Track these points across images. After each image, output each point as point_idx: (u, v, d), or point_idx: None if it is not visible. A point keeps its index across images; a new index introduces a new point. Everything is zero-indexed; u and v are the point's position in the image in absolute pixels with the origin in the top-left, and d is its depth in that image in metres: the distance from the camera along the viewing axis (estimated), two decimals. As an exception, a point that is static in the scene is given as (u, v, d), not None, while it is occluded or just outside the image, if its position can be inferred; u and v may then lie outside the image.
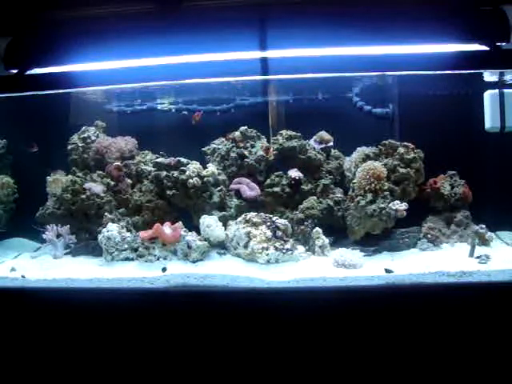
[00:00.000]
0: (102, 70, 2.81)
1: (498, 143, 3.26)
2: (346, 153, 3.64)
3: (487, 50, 2.67)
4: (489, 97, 3.18)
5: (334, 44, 2.69)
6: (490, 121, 3.18)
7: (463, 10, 2.75)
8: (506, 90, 3.12)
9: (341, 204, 3.35)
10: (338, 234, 3.31)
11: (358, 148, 3.52)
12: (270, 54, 2.71)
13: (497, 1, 2.72)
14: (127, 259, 3.11)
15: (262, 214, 3.16)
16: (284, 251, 2.94)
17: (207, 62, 2.71)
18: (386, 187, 3.20)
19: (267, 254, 2.92)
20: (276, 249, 2.94)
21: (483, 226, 3.14)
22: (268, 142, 3.67)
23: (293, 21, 2.73)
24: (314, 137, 3.63)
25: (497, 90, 3.14)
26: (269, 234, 3.00)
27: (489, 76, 3.17)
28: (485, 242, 3.13)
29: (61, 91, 2.91)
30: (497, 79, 3.14)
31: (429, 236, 3.21)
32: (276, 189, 3.43)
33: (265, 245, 2.95)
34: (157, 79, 2.87)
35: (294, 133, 3.55)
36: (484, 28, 2.72)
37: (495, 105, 3.15)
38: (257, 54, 2.70)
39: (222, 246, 3.22)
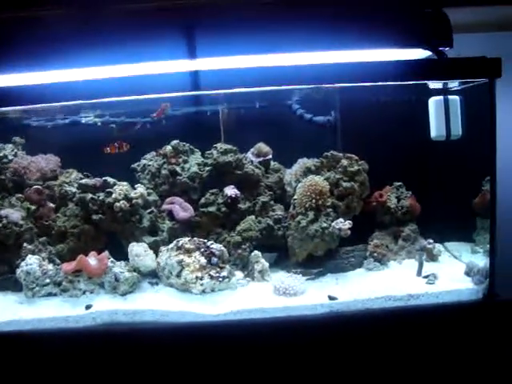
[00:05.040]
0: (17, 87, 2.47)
1: (444, 151, 3.10)
2: (286, 164, 3.40)
3: (431, 58, 2.59)
4: (433, 104, 3.00)
5: (266, 51, 2.49)
6: (436, 129, 3.01)
7: (404, 13, 2.61)
8: (450, 97, 2.96)
9: (281, 222, 3.14)
10: (280, 252, 3.11)
11: (299, 160, 3.30)
12: (199, 63, 2.48)
13: (438, 3, 2.58)
14: (50, 294, 2.81)
15: (195, 239, 2.91)
16: (220, 279, 2.72)
17: (129, 77, 2.46)
18: (328, 203, 3.01)
19: (201, 284, 2.69)
20: (211, 277, 2.71)
21: (431, 240, 3.05)
22: (202, 155, 3.40)
23: (224, 26, 2.52)
24: (252, 149, 3.37)
25: (441, 97, 2.98)
26: (203, 261, 2.76)
27: (433, 83, 3.00)
28: (433, 257, 3.04)
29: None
30: (441, 86, 2.98)
31: (375, 254, 3.04)
32: (211, 208, 3.17)
33: (199, 274, 2.71)
34: (74, 98, 2.56)
35: (229, 146, 3.28)
36: (426, 32, 2.59)
37: (440, 112, 2.98)
38: (183, 64, 2.49)
39: (154, 275, 2.96)
